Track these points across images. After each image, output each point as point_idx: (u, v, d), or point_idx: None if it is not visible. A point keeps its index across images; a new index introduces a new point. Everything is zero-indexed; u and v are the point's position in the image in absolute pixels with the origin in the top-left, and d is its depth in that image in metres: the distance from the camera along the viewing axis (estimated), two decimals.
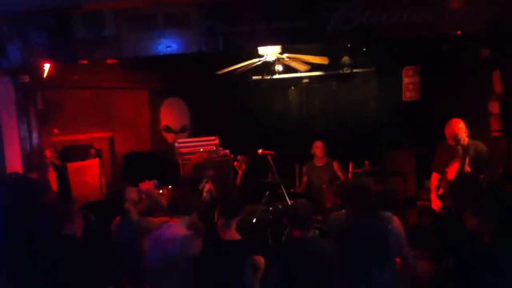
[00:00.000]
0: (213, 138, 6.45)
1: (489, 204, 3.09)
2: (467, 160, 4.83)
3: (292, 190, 6.11)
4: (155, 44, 3.92)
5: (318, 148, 6.61)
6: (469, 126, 5.06)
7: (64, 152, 5.86)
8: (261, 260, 3.48)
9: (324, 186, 6.31)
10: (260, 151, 5.69)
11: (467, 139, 4.94)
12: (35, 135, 5.40)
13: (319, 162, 6.63)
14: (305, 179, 6.71)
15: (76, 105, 6.22)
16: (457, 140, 4.91)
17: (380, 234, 3.36)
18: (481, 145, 4.90)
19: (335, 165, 6.61)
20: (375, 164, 6.31)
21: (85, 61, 4.64)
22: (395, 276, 3.45)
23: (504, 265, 2.85)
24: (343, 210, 3.67)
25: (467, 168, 4.84)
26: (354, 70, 6.97)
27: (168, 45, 3.88)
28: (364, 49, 6.08)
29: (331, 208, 6.03)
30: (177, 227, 3.47)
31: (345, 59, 6.76)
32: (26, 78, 5.01)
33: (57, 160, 5.70)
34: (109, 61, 5.39)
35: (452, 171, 4.96)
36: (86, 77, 6.04)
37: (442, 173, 5.08)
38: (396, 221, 3.44)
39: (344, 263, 3.44)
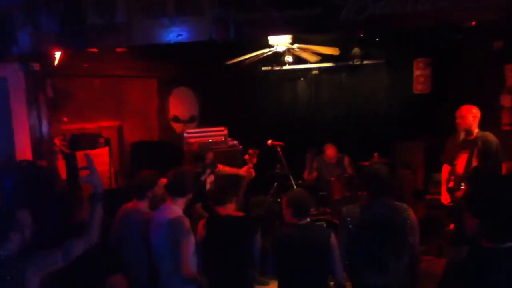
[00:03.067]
0: (221, 128, 6.44)
1: (484, 200, 2.69)
2: (475, 152, 4.78)
3: (300, 181, 6.09)
4: (166, 32, 3.89)
5: (330, 151, 6.54)
6: (480, 119, 5.01)
7: (73, 141, 5.88)
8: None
9: (333, 178, 6.29)
10: (269, 142, 5.67)
11: (477, 129, 4.88)
12: (44, 123, 5.40)
13: (330, 160, 6.59)
14: (315, 174, 6.68)
15: (85, 94, 6.22)
16: (468, 128, 4.86)
17: (396, 224, 3.35)
18: (490, 136, 4.81)
19: (346, 160, 6.57)
20: (384, 156, 6.28)
21: (96, 49, 4.62)
22: (408, 265, 3.45)
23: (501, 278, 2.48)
24: (353, 204, 3.65)
25: (475, 160, 4.79)
26: (364, 62, 6.92)
27: (179, 33, 3.85)
28: (377, 39, 6.01)
29: (340, 200, 6.02)
30: (170, 210, 3.42)
31: (356, 50, 6.71)
32: (37, 66, 5.01)
33: (66, 149, 5.72)
34: (119, 49, 5.37)
35: (461, 164, 4.91)
36: (96, 65, 6.03)
37: (452, 165, 5.05)
38: (412, 212, 3.42)
39: (359, 252, 3.44)
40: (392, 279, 3.40)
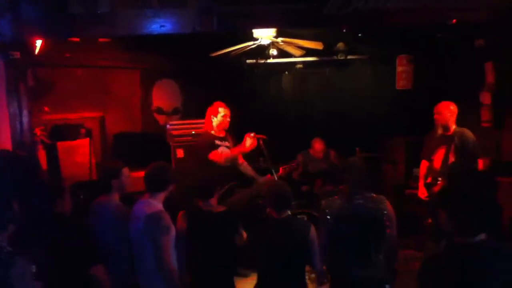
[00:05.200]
0: (204, 121, 6.41)
1: (455, 196, 2.74)
2: (452, 147, 4.87)
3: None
4: (149, 23, 3.85)
5: (318, 145, 6.58)
6: (459, 116, 5.09)
7: (55, 131, 5.81)
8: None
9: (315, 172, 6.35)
10: (252, 134, 5.67)
11: (454, 126, 4.97)
12: (25, 113, 5.30)
13: (317, 155, 6.62)
14: (300, 169, 6.71)
15: (67, 84, 6.15)
16: (445, 123, 4.95)
17: (374, 216, 3.42)
18: (467, 132, 4.91)
19: (332, 154, 6.62)
20: (368, 151, 6.34)
21: (78, 39, 4.57)
22: (386, 257, 3.51)
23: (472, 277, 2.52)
24: (332, 196, 3.70)
25: (452, 156, 4.89)
26: (349, 57, 6.96)
27: (162, 24, 3.82)
28: (360, 35, 6.05)
29: (321, 193, 6.07)
30: (149, 204, 3.40)
31: (340, 45, 6.75)
32: (17, 54, 4.92)
33: (47, 139, 5.65)
34: (102, 39, 5.32)
35: (438, 159, 5.01)
36: (78, 56, 5.97)
37: (430, 160, 5.14)
38: (388, 203, 3.50)
39: (339, 244, 3.49)
40: (373, 271, 3.46)
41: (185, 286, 3.46)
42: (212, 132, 5.26)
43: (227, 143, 5.28)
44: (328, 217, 3.51)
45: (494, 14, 3.92)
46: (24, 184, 3.59)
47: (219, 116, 5.23)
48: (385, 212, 3.43)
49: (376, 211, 3.43)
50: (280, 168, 5.52)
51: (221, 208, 3.64)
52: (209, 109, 5.29)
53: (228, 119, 5.30)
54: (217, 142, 5.20)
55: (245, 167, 5.51)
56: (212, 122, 5.25)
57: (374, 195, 3.51)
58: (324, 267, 3.93)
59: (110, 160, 3.68)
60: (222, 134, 5.31)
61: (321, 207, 3.62)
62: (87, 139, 5.80)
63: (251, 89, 7.85)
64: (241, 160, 5.43)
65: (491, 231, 2.68)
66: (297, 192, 5.91)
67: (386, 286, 3.64)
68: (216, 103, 5.29)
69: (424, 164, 5.27)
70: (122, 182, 3.68)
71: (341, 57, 6.78)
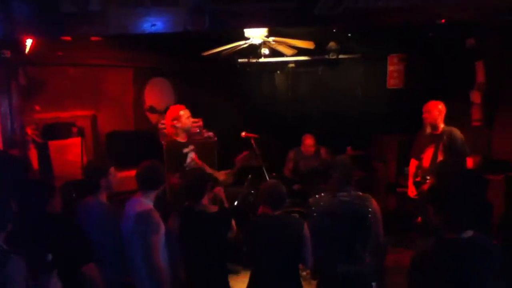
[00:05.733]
0: (197, 120, 6.42)
1: (444, 194, 2.82)
2: (440, 146, 4.93)
3: (274, 174, 6.14)
4: (140, 22, 3.85)
5: (309, 141, 6.61)
6: (450, 115, 5.14)
7: (46, 130, 5.79)
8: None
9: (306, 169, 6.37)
10: (243, 133, 5.68)
11: (443, 125, 5.02)
12: (16, 112, 5.31)
13: (308, 151, 6.65)
14: (290, 164, 6.74)
15: (59, 83, 6.12)
16: (434, 122, 5.00)
17: (362, 212, 3.46)
18: (455, 131, 4.97)
19: (323, 152, 6.65)
20: (360, 149, 6.38)
21: (69, 37, 4.55)
22: (374, 254, 3.56)
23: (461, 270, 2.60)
24: (319, 194, 3.74)
25: (441, 154, 4.94)
26: (341, 56, 6.98)
27: (153, 23, 3.82)
28: (349, 35, 6.08)
29: (312, 192, 6.09)
30: (140, 202, 3.41)
31: (332, 44, 6.76)
32: (7, 53, 4.91)
33: (39, 138, 5.64)
34: (94, 38, 5.30)
35: (427, 158, 5.06)
36: (70, 54, 5.94)
37: (419, 159, 5.19)
38: (374, 201, 3.54)
39: (326, 241, 3.52)
40: (360, 267, 3.50)
41: (180, 285, 3.48)
42: (178, 139, 4.96)
43: (191, 147, 5.02)
44: (315, 214, 3.55)
45: (482, 14, 3.95)
46: (16, 183, 3.60)
47: (183, 119, 4.92)
48: (370, 209, 3.48)
49: (362, 208, 3.47)
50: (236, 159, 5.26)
51: (214, 208, 3.64)
52: (169, 115, 4.96)
53: (191, 120, 5.05)
54: (185, 150, 4.93)
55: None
56: (176, 128, 4.92)
57: (360, 193, 3.56)
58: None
59: (97, 159, 3.66)
60: (186, 139, 5.02)
61: (309, 205, 3.66)
62: (79, 138, 5.78)
63: (244, 88, 7.86)
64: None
65: (480, 227, 2.73)
66: (289, 190, 5.94)
67: (373, 284, 3.70)
68: (172, 107, 5.01)
69: (413, 163, 5.32)
70: (110, 181, 3.67)
71: (332, 56, 6.80)
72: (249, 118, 7.42)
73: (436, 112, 5.00)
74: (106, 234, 3.51)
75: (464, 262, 2.61)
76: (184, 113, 4.93)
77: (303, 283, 3.61)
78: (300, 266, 3.69)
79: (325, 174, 5.45)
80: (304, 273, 4.38)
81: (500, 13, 3.96)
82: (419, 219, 5.32)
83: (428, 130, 5.11)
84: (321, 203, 3.57)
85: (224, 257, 3.61)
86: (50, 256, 2.81)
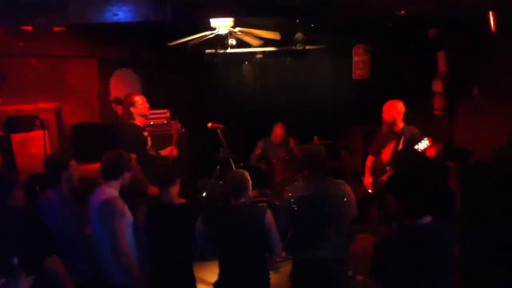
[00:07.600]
0: (164, 111, 6.41)
1: (401, 181, 2.89)
2: (401, 141, 5.04)
3: (241, 164, 6.18)
4: (102, 12, 3.79)
5: (279, 130, 6.66)
6: (413, 104, 5.25)
7: (8, 123, 5.64)
8: None
9: (274, 160, 6.42)
10: (209, 124, 5.69)
11: (402, 123, 5.15)
12: None
13: (276, 140, 6.71)
14: (258, 152, 6.79)
15: (21, 74, 5.96)
16: (392, 122, 5.11)
17: (335, 198, 3.60)
18: (415, 130, 5.12)
19: (291, 142, 6.72)
20: (326, 139, 6.46)
21: (29, 27, 4.45)
22: (348, 239, 3.69)
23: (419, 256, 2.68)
24: (295, 183, 3.81)
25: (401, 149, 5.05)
26: (307, 47, 7.03)
27: (115, 13, 3.77)
28: (312, 26, 6.12)
29: (280, 182, 6.16)
30: (103, 192, 3.42)
31: (298, 35, 6.80)
32: None
33: (1, 131, 5.50)
34: (56, 28, 5.19)
35: (386, 153, 5.17)
36: (32, 45, 5.78)
37: (377, 155, 5.30)
38: (348, 187, 3.70)
39: (303, 227, 3.62)
40: (335, 253, 3.60)
41: (148, 277, 3.49)
42: (137, 123, 5.00)
43: (146, 133, 5.09)
44: (292, 200, 3.62)
45: (441, 5, 4.03)
46: None
47: (138, 104, 4.97)
48: (345, 195, 3.64)
49: (337, 195, 3.61)
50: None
51: (181, 200, 3.65)
52: (125, 102, 5.03)
53: (147, 106, 5.09)
54: (145, 134, 5.02)
55: None
56: (132, 113, 4.97)
57: (334, 179, 3.71)
58: (283, 254, 4.04)
59: (57, 152, 3.63)
60: (143, 124, 5.08)
61: (285, 193, 3.73)
62: (42, 131, 5.66)
63: (212, 79, 7.84)
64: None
65: (443, 213, 2.83)
66: (257, 181, 5.98)
67: (349, 272, 3.80)
68: (128, 95, 5.07)
69: (370, 159, 5.45)
70: (71, 174, 3.67)
71: (299, 47, 6.84)
72: (217, 109, 7.42)
73: (394, 112, 5.15)
74: (67, 226, 3.50)
75: (421, 247, 2.71)
76: (139, 98, 4.98)
77: (273, 271, 3.68)
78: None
79: (295, 164, 5.57)
80: (278, 259, 4.46)
81: (457, 7, 4.05)
82: (376, 212, 5.46)
83: (386, 129, 5.23)
84: (298, 192, 3.66)
85: (189, 250, 3.62)
86: (15, 260, 2.77)
